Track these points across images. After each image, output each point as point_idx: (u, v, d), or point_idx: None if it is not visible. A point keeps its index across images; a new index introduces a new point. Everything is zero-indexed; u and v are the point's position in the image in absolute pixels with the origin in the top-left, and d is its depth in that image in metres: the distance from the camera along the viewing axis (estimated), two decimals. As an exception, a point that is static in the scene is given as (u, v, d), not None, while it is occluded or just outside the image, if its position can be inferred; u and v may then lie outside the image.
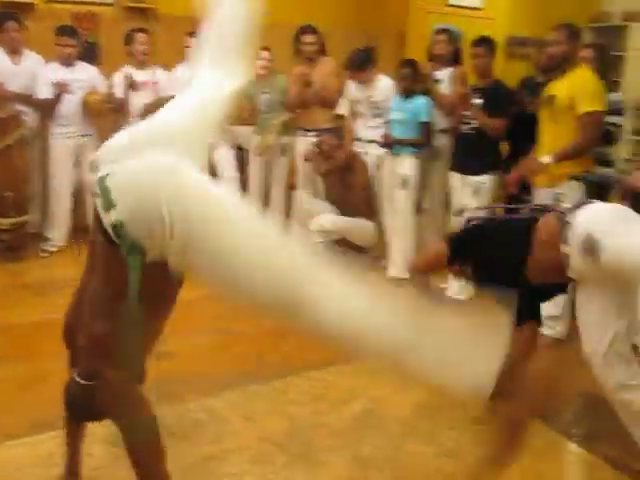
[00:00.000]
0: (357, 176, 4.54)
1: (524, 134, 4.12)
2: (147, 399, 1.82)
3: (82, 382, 1.85)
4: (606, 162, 3.84)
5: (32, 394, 2.83)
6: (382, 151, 4.52)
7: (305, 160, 4.76)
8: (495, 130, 3.88)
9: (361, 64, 4.46)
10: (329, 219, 4.51)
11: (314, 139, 4.77)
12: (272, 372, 3.08)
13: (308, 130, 4.90)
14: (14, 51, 4.72)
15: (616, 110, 3.94)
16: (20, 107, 4.60)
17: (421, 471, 2.40)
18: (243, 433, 2.59)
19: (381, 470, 2.39)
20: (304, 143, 4.91)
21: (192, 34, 4.98)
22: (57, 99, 4.57)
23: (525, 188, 3.72)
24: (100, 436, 2.48)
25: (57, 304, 3.85)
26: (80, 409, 1.97)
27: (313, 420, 2.70)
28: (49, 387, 2.88)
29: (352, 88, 4.69)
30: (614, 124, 3.88)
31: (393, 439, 2.59)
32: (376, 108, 4.59)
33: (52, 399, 2.76)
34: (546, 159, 3.33)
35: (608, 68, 4.07)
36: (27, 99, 4.62)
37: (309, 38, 4.73)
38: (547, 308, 3.53)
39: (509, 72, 6.78)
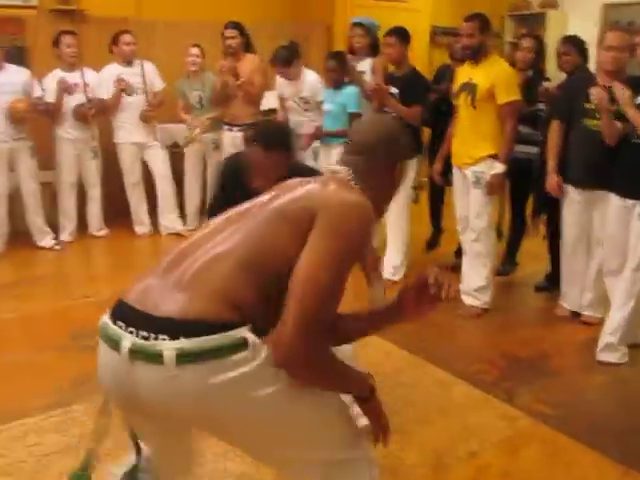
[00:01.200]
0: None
1: (445, 120, 4.38)
2: None
3: None
4: (531, 142, 4.09)
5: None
6: (316, 144, 4.67)
7: None
8: (411, 117, 4.05)
9: (286, 60, 4.58)
10: None
11: (239, 134, 4.85)
12: None
13: (233, 125, 5.02)
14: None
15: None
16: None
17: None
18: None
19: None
20: (230, 138, 5.04)
21: (119, 34, 5.08)
22: None
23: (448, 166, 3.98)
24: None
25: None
26: None
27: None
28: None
29: (281, 84, 4.82)
30: (541, 110, 4.12)
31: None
32: (305, 102, 4.73)
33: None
34: (500, 168, 3.61)
35: (543, 57, 4.32)
36: None
37: (230, 32, 4.84)
38: (473, 280, 3.77)
39: (435, 61, 7.08)
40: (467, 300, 3.79)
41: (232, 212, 1.60)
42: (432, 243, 4.98)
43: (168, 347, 1.33)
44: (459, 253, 4.25)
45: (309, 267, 1.39)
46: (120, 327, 1.40)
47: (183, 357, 1.33)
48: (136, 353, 1.36)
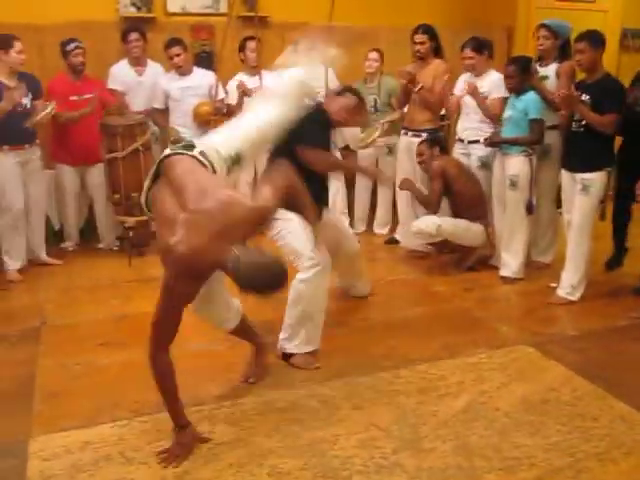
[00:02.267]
0: (455, 181, 4.53)
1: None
2: None
3: None
4: None
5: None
6: (488, 151, 4.49)
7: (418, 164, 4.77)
8: (603, 126, 3.75)
9: (478, 46, 4.54)
10: (430, 223, 4.46)
11: (414, 139, 4.82)
12: (379, 364, 3.17)
13: (409, 130, 4.95)
14: (137, 62, 5.10)
15: None
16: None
17: (528, 462, 2.41)
18: (352, 419, 2.69)
19: (488, 460, 2.42)
20: (405, 142, 4.97)
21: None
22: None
23: None
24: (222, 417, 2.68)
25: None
26: None
27: (420, 410, 2.77)
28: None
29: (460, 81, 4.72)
30: None
31: (500, 430, 2.61)
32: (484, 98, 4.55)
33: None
34: None
35: None
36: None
37: (420, 38, 4.72)
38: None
39: (624, 66, 6.56)
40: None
41: None
42: (613, 263, 4.60)
43: None
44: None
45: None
46: None
47: None
48: None
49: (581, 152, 3.85)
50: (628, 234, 4.54)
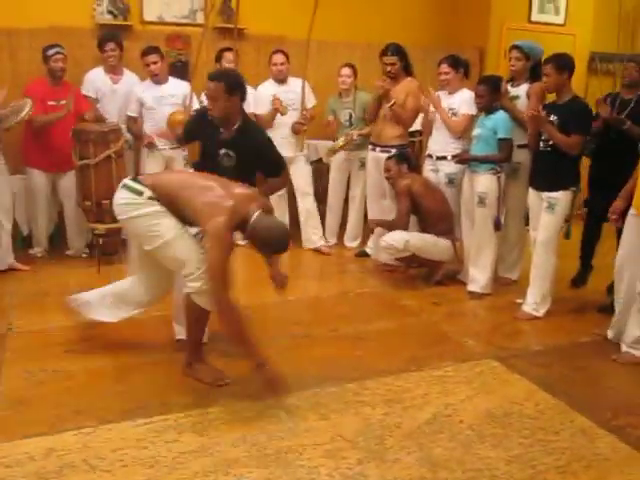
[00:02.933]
0: (422, 198, 4.60)
1: (613, 152, 4.12)
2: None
3: None
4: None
5: (125, 385, 3.05)
6: (456, 168, 4.57)
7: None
8: (569, 147, 3.85)
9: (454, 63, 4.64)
10: (398, 238, 4.51)
11: (382, 154, 4.90)
12: (346, 375, 3.20)
13: (377, 145, 5.02)
14: (113, 71, 5.09)
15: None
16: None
17: (490, 474, 2.45)
18: (318, 430, 2.71)
19: (451, 471, 2.45)
20: (373, 157, 5.05)
21: (276, 51, 5.26)
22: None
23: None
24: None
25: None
26: None
27: (386, 421, 2.79)
28: (138, 380, 3.12)
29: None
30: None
31: (464, 443, 2.65)
32: (453, 114, 4.64)
33: (141, 390, 3.01)
34: None
35: None
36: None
37: (389, 59, 4.79)
38: (634, 329, 3.46)
39: (592, 89, 6.74)
40: (623, 347, 3.53)
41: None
42: (578, 280, 4.70)
43: None
44: (611, 290, 3.97)
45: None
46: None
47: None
48: None
49: (547, 171, 3.95)
50: (595, 252, 4.65)
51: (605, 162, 4.27)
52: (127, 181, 3.07)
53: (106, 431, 2.64)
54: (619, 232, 3.75)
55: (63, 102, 4.73)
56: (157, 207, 2.94)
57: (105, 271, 4.68)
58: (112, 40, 5.03)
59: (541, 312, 4.05)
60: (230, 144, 3.31)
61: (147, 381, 3.10)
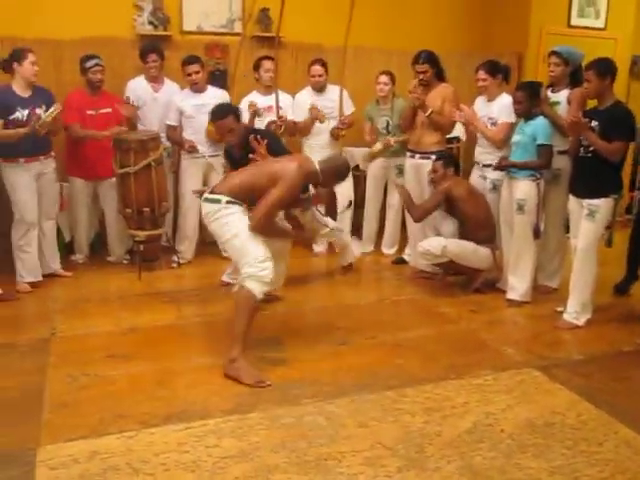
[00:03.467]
0: (462, 203, 4.58)
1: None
2: None
3: None
4: None
5: (166, 390, 3.09)
6: (502, 174, 4.51)
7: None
8: (610, 154, 3.78)
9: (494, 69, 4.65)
10: (435, 244, 4.50)
11: (420, 161, 4.90)
12: (385, 383, 3.19)
13: (415, 152, 5.00)
14: (155, 80, 5.19)
15: None
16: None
17: (533, 485, 2.42)
18: (358, 437, 2.71)
19: (492, 481, 2.43)
20: (411, 164, 5.03)
21: (315, 61, 5.29)
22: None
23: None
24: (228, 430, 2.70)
25: (184, 312, 4.21)
26: None
27: (426, 429, 2.78)
28: (179, 385, 3.16)
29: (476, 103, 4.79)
30: None
31: (505, 453, 2.61)
32: (492, 124, 4.61)
33: (182, 395, 3.05)
34: None
35: None
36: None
37: (421, 67, 4.77)
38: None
39: (635, 92, 6.62)
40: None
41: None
42: (622, 287, 4.61)
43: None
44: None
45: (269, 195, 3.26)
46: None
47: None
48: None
49: (588, 178, 3.88)
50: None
51: None
52: (206, 195, 3.42)
53: (148, 435, 2.68)
54: None
55: (102, 111, 4.85)
56: (233, 209, 3.31)
57: (146, 277, 4.76)
58: (154, 51, 5.13)
59: (582, 321, 3.99)
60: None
61: (188, 386, 3.14)
